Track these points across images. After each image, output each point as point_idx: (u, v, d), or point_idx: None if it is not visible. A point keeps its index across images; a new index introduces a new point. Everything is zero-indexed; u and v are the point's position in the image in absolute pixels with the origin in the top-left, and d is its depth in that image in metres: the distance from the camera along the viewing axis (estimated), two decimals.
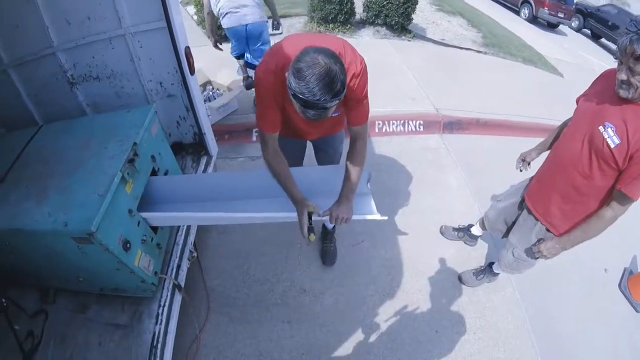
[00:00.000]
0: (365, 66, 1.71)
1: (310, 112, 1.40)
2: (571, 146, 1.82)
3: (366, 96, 1.79)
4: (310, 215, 1.80)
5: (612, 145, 1.59)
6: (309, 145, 2.45)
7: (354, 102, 1.76)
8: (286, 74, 1.40)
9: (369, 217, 1.99)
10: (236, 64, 4.65)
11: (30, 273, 2.13)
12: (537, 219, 2.12)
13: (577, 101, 1.92)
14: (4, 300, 1.93)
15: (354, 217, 1.90)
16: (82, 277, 2.01)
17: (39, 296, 2.13)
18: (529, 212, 2.18)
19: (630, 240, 3.30)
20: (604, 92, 1.70)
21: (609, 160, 1.63)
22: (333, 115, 1.86)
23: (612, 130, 1.59)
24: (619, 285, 3.12)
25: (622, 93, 1.53)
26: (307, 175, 2.09)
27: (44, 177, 1.91)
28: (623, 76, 1.49)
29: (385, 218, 1.96)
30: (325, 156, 2.45)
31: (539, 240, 2.11)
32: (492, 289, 2.88)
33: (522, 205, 2.30)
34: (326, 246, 2.95)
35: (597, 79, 1.85)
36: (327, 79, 1.30)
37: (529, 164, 2.44)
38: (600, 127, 1.64)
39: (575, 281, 3.04)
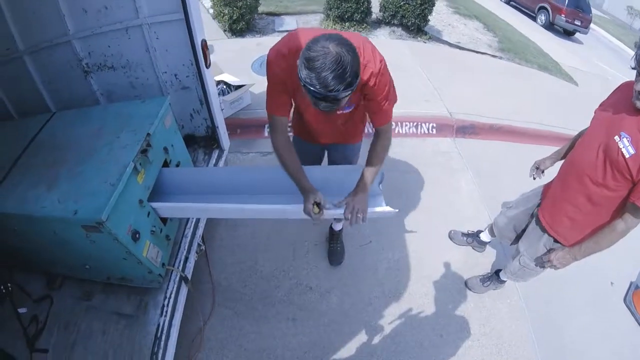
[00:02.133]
0: (385, 65, 1.65)
1: (322, 104, 1.37)
2: (586, 155, 1.81)
3: (387, 96, 1.71)
4: (318, 205, 1.74)
5: (627, 155, 1.58)
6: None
7: (375, 104, 1.70)
8: (297, 62, 1.35)
9: (378, 209, 1.93)
10: (251, 60, 4.63)
11: (38, 259, 2.14)
12: (544, 229, 2.10)
13: (595, 112, 1.91)
14: (9, 285, 1.95)
15: (370, 209, 1.85)
16: (89, 265, 2.01)
17: (45, 282, 2.14)
18: (538, 222, 2.17)
19: (637, 254, 3.25)
20: (621, 103, 1.70)
21: (623, 171, 1.61)
22: (345, 110, 1.83)
23: (628, 141, 1.58)
24: (624, 299, 3.08)
25: (639, 104, 1.54)
26: (321, 173, 2.07)
27: (56, 164, 1.92)
28: (639, 87, 1.50)
29: (397, 211, 1.91)
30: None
31: (549, 250, 2.09)
32: (498, 296, 2.86)
33: (532, 213, 2.28)
34: (333, 246, 2.94)
35: (615, 90, 1.84)
36: (339, 70, 1.24)
37: (542, 172, 2.41)
38: (616, 137, 1.63)
39: (581, 293, 3.00)
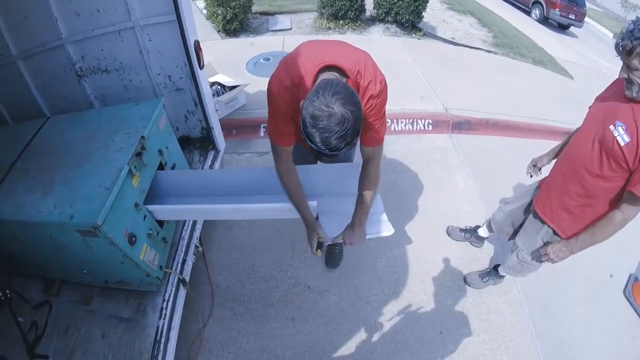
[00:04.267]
0: (385, 85, 1.62)
1: (322, 157, 1.38)
2: (582, 147, 1.81)
3: (383, 116, 1.69)
4: (320, 246, 1.87)
5: (622, 144, 1.59)
6: None
7: (368, 122, 1.66)
8: (301, 103, 1.32)
9: (384, 234, 1.96)
10: (245, 60, 4.63)
11: (35, 264, 2.14)
12: (544, 222, 2.10)
13: (590, 106, 1.92)
14: (7, 292, 1.94)
15: (368, 236, 1.91)
16: (87, 269, 2.01)
17: (43, 287, 2.14)
18: (536, 215, 2.17)
19: (636, 246, 3.26)
20: (616, 94, 1.71)
21: (619, 160, 1.62)
22: None
23: (623, 129, 1.59)
24: (624, 291, 3.09)
25: (627, 93, 1.57)
26: (319, 173, 2.07)
27: (51, 168, 1.92)
28: (624, 74, 1.53)
29: (393, 231, 1.94)
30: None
31: (546, 244, 2.09)
32: (498, 291, 2.86)
33: (529, 208, 2.28)
34: (331, 249, 2.93)
35: (611, 83, 1.85)
36: (342, 132, 1.23)
37: (539, 169, 2.43)
38: (611, 126, 1.64)
39: (580, 286, 3.01)
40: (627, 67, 1.50)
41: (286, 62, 1.58)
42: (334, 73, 1.46)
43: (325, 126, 1.22)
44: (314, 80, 1.45)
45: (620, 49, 1.48)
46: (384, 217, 2.01)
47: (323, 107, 1.22)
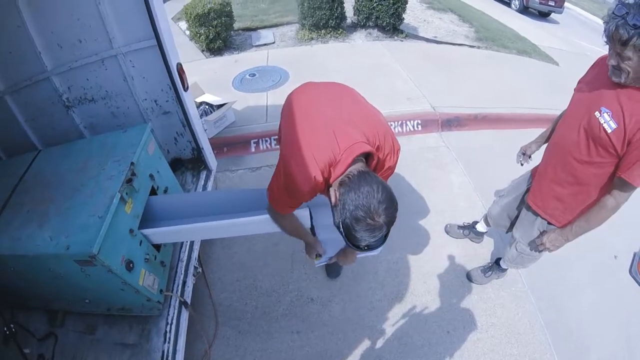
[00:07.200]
0: (399, 149, 1.65)
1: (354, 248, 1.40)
2: (568, 135, 1.81)
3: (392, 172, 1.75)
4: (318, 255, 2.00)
5: (609, 130, 1.57)
6: None
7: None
8: (332, 191, 1.37)
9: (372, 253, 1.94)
10: (231, 77, 4.66)
11: (37, 297, 2.14)
12: (537, 213, 2.11)
13: (574, 90, 1.90)
14: (12, 326, 1.94)
15: (359, 255, 1.95)
16: (88, 298, 2.02)
17: (47, 319, 2.14)
18: (528, 206, 2.17)
19: (638, 224, 3.26)
20: (599, 78, 1.69)
21: (607, 146, 1.61)
22: None
23: (609, 115, 1.58)
24: (630, 270, 3.08)
25: (615, 79, 1.53)
26: None
27: (45, 201, 1.93)
28: (613, 62, 1.49)
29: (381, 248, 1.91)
30: None
31: (542, 233, 2.10)
32: (502, 285, 2.86)
33: (523, 200, 2.29)
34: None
35: (591, 66, 1.84)
36: (384, 236, 1.32)
37: (529, 157, 2.42)
38: (596, 113, 1.63)
39: (585, 270, 3.00)
40: (619, 56, 1.45)
41: (309, 143, 1.46)
42: (363, 160, 1.46)
43: (373, 237, 1.28)
44: (348, 167, 1.40)
45: (613, 37, 1.41)
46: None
47: (369, 222, 1.24)
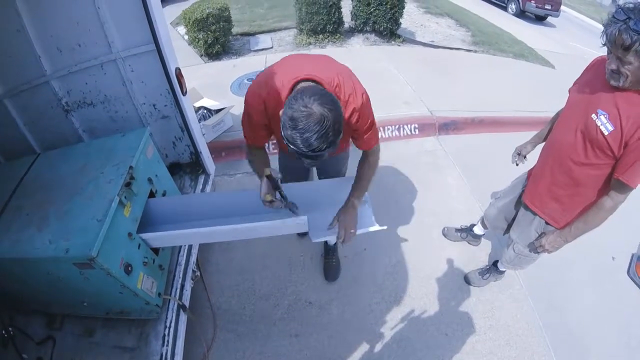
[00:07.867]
0: (367, 97, 1.66)
1: (306, 161, 1.37)
2: (565, 137, 1.82)
3: (370, 127, 1.73)
4: (270, 179, 1.70)
5: (606, 133, 1.59)
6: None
7: (359, 134, 1.72)
8: (280, 112, 1.34)
9: (371, 229, 1.93)
10: (229, 81, 4.67)
11: (36, 300, 2.14)
12: (535, 214, 2.12)
13: (569, 91, 1.91)
14: (10, 329, 1.94)
15: (358, 231, 1.86)
16: (87, 301, 2.01)
17: (46, 322, 2.13)
18: (527, 207, 2.18)
19: (635, 225, 3.28)
20: (595, 80, 1.70)
21: (604, 148, 1.63)
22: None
23: (605, 118, 1.59)
24: (628, 271, 3.09)
25: (613, 82, 1.54)
26: (311, 190, 2.10)
27: (44, 204, 1.92)
28: (613, 66, 1.49)
29: (385, 228, 1.91)
30: (327, 178, 2.40)
31: (541, 235, 2.10)
32: (500, 287, 2.87)
33: (519, 201, 2.30)
34: (328, 262, 2.93)
35: (587, 67, 1.85)
36: (322, 130, 1.23)
37: (525, 157, 2.43)
38: (593, 115, 1.64)
39: (583, 272, 3.02)
40: (619, 60, 1.44)
41: (265, 74, 1.62)
42: (311, 84, 1.47)
43: (305, 126, 1.23)
44: (290, 92, 1.47)
45: (616, 42, 1.40)
46: (371, 212, 1.99)
47: (301, 108, 1.24)
